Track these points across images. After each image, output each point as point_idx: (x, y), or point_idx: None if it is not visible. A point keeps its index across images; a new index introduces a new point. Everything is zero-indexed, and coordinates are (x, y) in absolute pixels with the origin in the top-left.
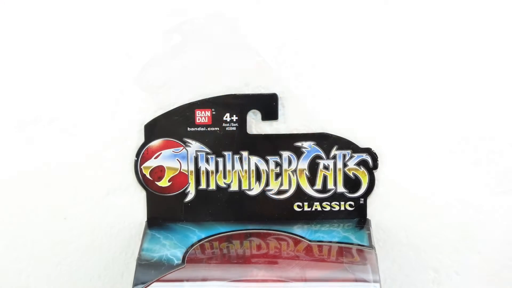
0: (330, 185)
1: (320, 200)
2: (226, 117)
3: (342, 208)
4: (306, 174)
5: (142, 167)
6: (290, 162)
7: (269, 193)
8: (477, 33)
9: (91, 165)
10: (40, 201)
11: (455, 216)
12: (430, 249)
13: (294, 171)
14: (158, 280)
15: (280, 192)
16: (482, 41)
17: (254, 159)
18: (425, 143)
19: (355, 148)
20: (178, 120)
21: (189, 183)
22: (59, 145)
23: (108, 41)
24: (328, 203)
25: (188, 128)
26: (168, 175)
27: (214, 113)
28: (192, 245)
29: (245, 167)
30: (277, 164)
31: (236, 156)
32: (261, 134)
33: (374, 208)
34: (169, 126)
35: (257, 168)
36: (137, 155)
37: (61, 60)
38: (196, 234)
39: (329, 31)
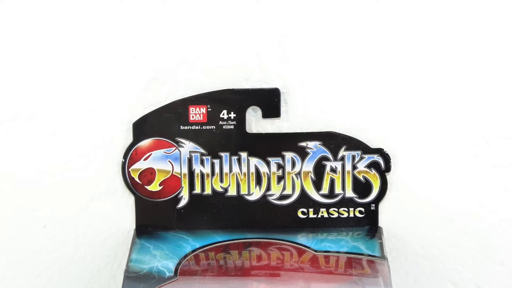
0: (338, 190)
1: (327, 206)
2: (223, 115)
3: (351, 214)
4: (311, 177)
5: (130, 169)
6: (293, 164)
7: (271, 198)
8: (497, 29)
9: (74, 167)
10: (17, 207)
11: (475, 224)
12: (448, 260)
13: (298, 174)
14: None
15: (282, 197)
16: (501, 38)
17: (254, 161)
18: (442, 144)
19: (365, 149)
20: (170, 117)
21: (182, 187)
22: (38, 144)
23: (93, 32)
24: (336, 209)
25: (181, 127)
26: (159, 179)
27: (209, 110)
28: (186, 256)
29: (244, 169)
30: (279, 166)
31: (234, 158)
32: (262, 133)
33: (387, 214)
34: (160, 124)
35: (257, 171)
36: (125, 156)
37: (40, 53)
38: (189, 243)
39: (337, 21)
